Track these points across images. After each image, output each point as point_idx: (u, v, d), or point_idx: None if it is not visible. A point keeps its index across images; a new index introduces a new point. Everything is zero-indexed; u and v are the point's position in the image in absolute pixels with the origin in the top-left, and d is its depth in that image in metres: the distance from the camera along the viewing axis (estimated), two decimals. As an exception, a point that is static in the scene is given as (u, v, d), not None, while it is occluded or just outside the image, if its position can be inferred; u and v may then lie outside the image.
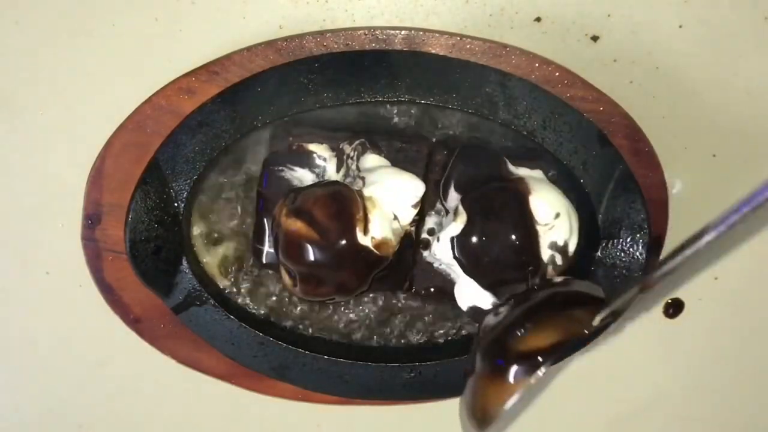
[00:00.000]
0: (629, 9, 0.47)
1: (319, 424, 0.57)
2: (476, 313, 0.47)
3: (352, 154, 0.45)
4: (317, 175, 0.46)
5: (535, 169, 0.46)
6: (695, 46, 0.48)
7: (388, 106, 0.46)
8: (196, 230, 0.48)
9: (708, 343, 0.55)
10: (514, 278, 0.44)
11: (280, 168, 0.46)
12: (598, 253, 0.45)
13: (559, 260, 0.43)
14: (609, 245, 0.45)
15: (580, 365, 0.54)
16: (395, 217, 0.43)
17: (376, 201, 0.43)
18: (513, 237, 0.42)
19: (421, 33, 0.43)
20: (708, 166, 0.50)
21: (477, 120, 0.46)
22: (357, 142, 0.45)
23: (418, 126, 0.46)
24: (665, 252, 0.47)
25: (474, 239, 0.43)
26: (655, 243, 0.46)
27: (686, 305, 0.54)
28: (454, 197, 0.46)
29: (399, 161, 0.46)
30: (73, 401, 0.57)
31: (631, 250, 0.45)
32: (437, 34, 0.43)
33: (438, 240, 0.45)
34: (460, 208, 0.44)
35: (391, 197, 0.43)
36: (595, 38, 0.48)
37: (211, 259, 0.48)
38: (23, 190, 0.51)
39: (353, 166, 0.45)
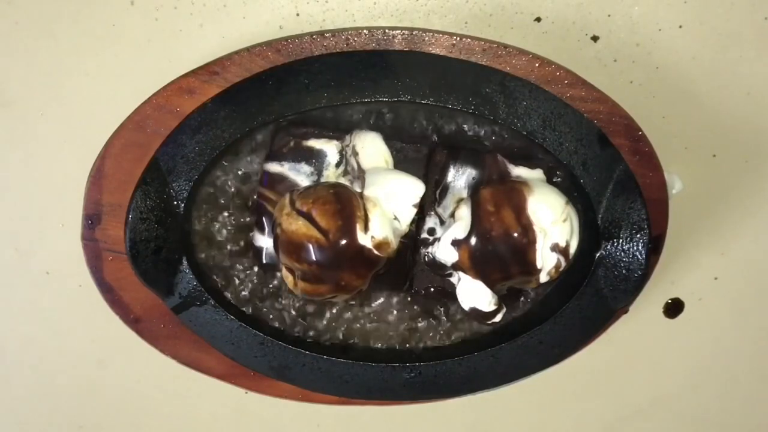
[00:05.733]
0: (629, 9, 0.47)
1: (319, 424, 0.57)
2: (477, 313, 0.47)
3: (349, 143, 0.45)
4: (317, 174, 0.46)
5: (535, 169, 0.46)
6: (695, 46, 0.48)
7: (388, 106, 0.46)
8: (196, 230, 0.48)
9: (708, 343, 0.55)
10: (515, 278, 0.44)
11: (280, 167, 0.46)
12: (599, 253, 0.45)
13: (560, 261, 0.43)
14: (609, 245, 0.45)
15: (580, 365, 0.54)
16: (395, 217, 0.43)
17: (376, 201, 0.43)
18: (514, 239, 0.42)
19: (421, 33, 0.43)
20: (708, 166, 0.51)
21: (477, 120, 0.46)
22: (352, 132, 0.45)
23: (418, 126, 0.46)
24: (665, 252, 0.47)
25: (474, 241, 0.43)
26: (655, 243, 0.46)
27: (686, 305, 0.54)
28: (449, 202, 0.46)
29: (399, 161, 0.46)
30: (73, 401, 0.57)
31: (631, 250, 0.45)
32: (437, 34, 0.43)
33: (438, 241, 0.45)
34: (462, 209, 0.44)
35: (391, 197, 0.43)
36: (595, 38, 0.48)
37: (210, 259, 0.48)
38: (23, 190, 0.51)
39: (352, 159, 0.45)
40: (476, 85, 0.44)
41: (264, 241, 0.46)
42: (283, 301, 0.49)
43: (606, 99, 0.44)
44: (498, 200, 0.43)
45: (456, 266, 0.45)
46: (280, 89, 0.44)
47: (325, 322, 0.49)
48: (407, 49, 0.43)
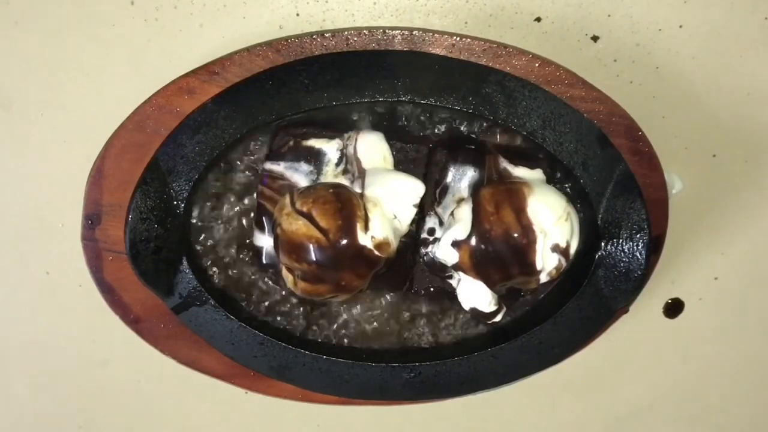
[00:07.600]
0: (629, 9, 0.47)
1: (319, 424, 0.57)
2: (478, 313, 0.47)
3: (349, 143, 0.45)
4: (317, 174, 0.46)
5: (534, 169, 0.46)
6: (695, 46, 0.48)
7: (388, 106, 0.46)
8: (196, 230, 0.48)
9: (708, 343, 0.55)
10: (515, 278, 0.44)
11: (280, 167, 0.46)
12: (599, 254, 0.45)
13: (560, 261, 0.43)
14: (609, 245, 0.45)
15: (580, 365, 0.54)
16: (395, 217, 0.43)
17: (376, 201, 0.43)
18: (514, 239, 0.42)
19: (421, 33, 0.43)
20: (708, 166, 0.51)
21: (477, 120, 0.46)
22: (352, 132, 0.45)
23: (418, 126, 0.46)
24: (665, 252, 0.47)
25: (475, 242, 0.43)
26: (655, 243, 0.46)
27: (686, 305, 0.54)
28: (449, 202, 0.46)
29: (399, 161, 0.46)
30: (73, 401, 0.57)
31: (631, 250, 0.45)
32: (437, 34, 0.43)
33: (438, 241, 0.45)
34: (462, 210, 0.44)
35: (391, 197, 0.43)
36: (595, 38, 0.48)
37: (210, 259, 0.48)
38: (23, 190, 0.51)
39: (352, 158, 0.45)
40: (476, 85, 0.44)
41: (264, 241, 0.46)
42: (283, 301, 0.49)
43: (606, 99, 0.44)
44: (498, 200, 0.43)
45: (456, 267, 0.45)
46: (280, 89, 0.44)
47: (325, 322, 0.49)
48: (407, 49, 0.43)
